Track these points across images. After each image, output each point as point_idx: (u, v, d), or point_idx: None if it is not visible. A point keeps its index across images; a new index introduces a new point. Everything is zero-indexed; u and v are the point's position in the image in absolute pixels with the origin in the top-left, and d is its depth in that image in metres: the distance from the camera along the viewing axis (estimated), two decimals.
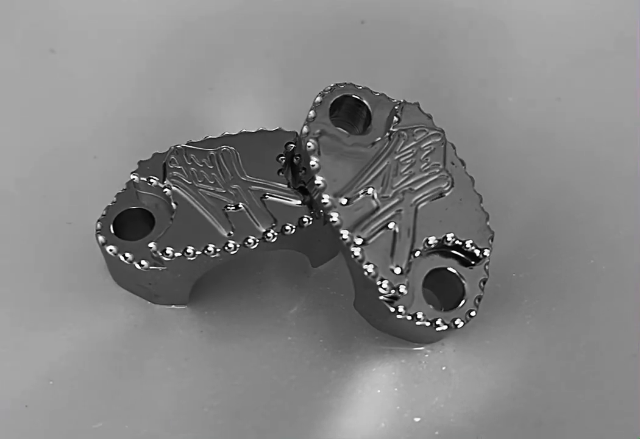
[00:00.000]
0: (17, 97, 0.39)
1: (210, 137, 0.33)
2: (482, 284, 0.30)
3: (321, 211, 0.30)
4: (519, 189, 0.37)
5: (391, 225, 0.29)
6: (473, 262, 0.30)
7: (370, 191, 0.29)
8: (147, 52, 0.41)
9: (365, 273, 0.29)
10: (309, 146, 0.30)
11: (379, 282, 0.29)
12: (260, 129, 0.33)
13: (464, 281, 0.30)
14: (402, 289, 0.29)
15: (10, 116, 0.39)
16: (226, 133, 0.33)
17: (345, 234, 0.29)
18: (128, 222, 0.32)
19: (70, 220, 0.35)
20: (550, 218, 0.36)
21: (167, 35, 0.42)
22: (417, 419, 0.30)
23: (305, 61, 0.41)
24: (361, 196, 0.29)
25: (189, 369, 0.31)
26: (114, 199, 0.32)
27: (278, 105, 0.39)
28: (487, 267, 0.30)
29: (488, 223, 0.30)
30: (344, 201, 0.29)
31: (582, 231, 0.36)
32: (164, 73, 0.40)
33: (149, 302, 0.33)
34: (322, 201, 0.29)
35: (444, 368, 0.31)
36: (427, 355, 0.32)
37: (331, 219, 0.29)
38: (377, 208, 0.29)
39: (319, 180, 0.29)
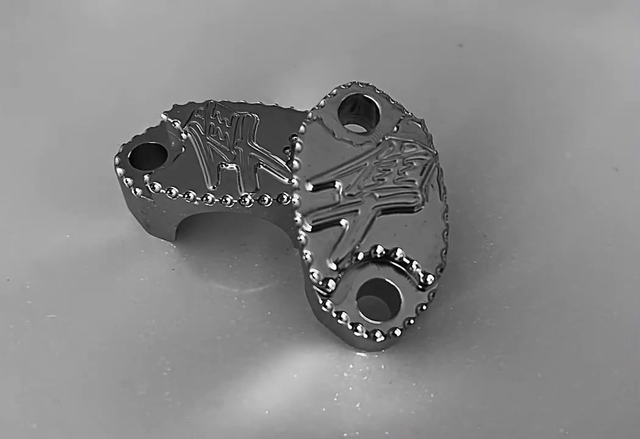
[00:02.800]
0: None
1: (244, 101, 0.35)
2: (419, 308, 0.30)
3: None
4: None
5: (343, 222, 0.30)
6: (420, 287, 0.30)
7: (337, 185, 0.30)
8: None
9: (304, 259, 0.30)
10: (301, 129, 0.31)
11: (310, 271, 0.30)
12: (292, 107, 0.35)
13: (401, 298, 0.30)
14: (331, 284, 0.29)
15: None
16: (260, 102, 0.35)
17: (298, 216, 0.30)
18: (151, 155, 0.35)
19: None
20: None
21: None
22: (317, 412, 0.31)
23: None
24: (328, 187, 0.30)
25: (146, 296, 0.34)
26: (144, 131, 0.35)
27: None
28: (431, 296, 0.30)
29: (444, 253, 0.30)
30: (310, 187, 0.30)
31: None
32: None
33: (144, 231, 0.36)
34: (292, 180, 0.30)
35: (365, 378, 0.32)
36: (360, 363, 0.32)
37: (293, 199, 0.30)
38: (337, 203, 0.30)
39: (296, 161, 0.31)
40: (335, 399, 0.31)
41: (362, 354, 0.32)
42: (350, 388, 0.31)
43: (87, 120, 0.39)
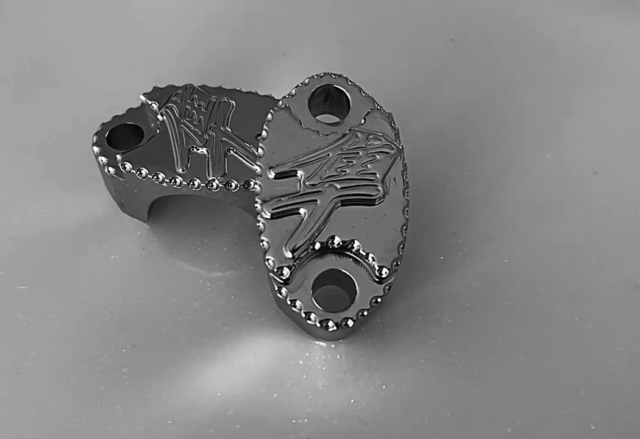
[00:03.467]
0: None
1: (222, 87, 0.35)
2: (373, 300, 0.30)
3: None
4: None
5: (302, 211, 0.30)
6: (377, 280, 0.30)
7: (299, 174, 0.30)
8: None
9: (261, 245, 0.30)
10: (268, 117, 0.31)
11: (266, 258, 0.30)
12: (269, 94, 0.35)
13: (356, 289, 0.30)
14: (285, 272, 0.30)
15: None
16: (237, 88, 0.35)
17: (258, 203, 0.30)
18: (129, 135, 0.36)
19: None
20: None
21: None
22: (269, 398, 0.31)
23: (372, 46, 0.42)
24: (290, 176, 0.30)
25: (115, 274, 0.34)
26: (124, 111, 0.36)
27: None
28: (387, 289, 0.30)
29: (401, 247, 0.30)
30: (272, 175, 0.30)
31: None
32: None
33: (119, 209, 0.36)
34: (254, 167, 0.31)
35: (320, 367, 0.32)
36: (317, 351, 0.32)
37: (254, 186, 0.31)
38: (298, 192, 0.30)
39: (260, 148, 0.31)
40: (288, 386, 0.31)
41: (320, 343, 0.32)
42: (304, 376, 0.31)
43: (71, 98, 0.40)
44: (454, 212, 0.36)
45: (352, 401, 0.31)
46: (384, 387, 0.31)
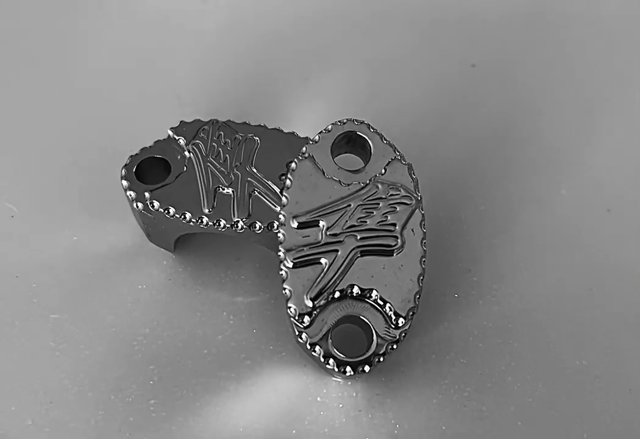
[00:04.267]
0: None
1: (247, 122, 0.36)
2: (389, 347, 0.31)
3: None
4: None
5: (323, 260, 0.31)
6: (393, 327, 0.32)
7: (322, 223, 0.31)
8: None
9: (283, 293, 0.31)
10: (292, 165, 0.32)
11: (288, 305, 0.31)
12: (293, 132, 0.35)
13: (373, 336, 0.32)
14: (306, 319, 0.31)
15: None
16: (262, 124, 0.36)
17: (281, 251, 0.31)
18: (156, 167, 0.37)
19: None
20: None
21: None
22: (288, 434, 0.33)
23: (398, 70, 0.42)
24: (312, 226, 0.32)
25: (142, 304, 0.36)
26: (152, 143, 0.37)
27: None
28: (403, 336, 0.31)
29: (417, 297, 0.31)
30: (295, 224, 0.32)
31: None
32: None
33: (146, 239, 0.38)
34: (279, 216, 0.32)
35: (337, 405, 0.33)
36: (333, 388, 0.34)
37: (278, 235, 0.32)
38: (320, 241, 0.31)
39: (284, 197, 0.32)
40: (306, 422, 0.33)
41: (337, 380, 0.34)
42: (322, 413, 0.33)
43: (100, 126, 0.41)
44: (470, 250, 0.37)
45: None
46: (397, 426, 0.33)
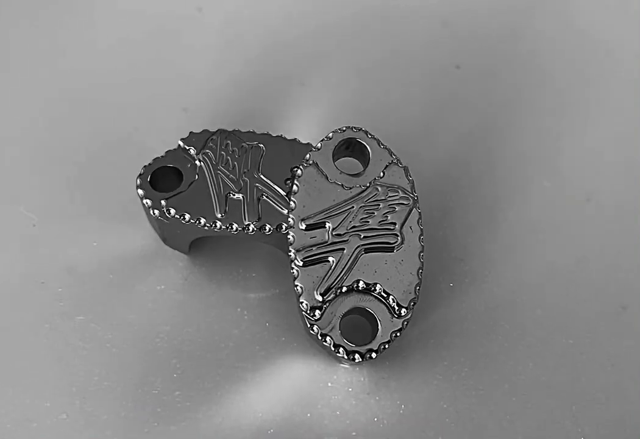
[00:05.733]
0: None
1: (253, 131, 0.39)
2: (393, 335, 0.34)
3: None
4: None
5: (330, 259, 0.34)
6: (396, 316, 0.35)
7: (327, 225, 0.34)
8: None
9: (295, 290, 0.34)
10: (298, 172, 0.35)
11: (300, 301, 0.34)
12: (295, 138, 0.38)
13: (379, 326, 0.35)
14: (317, 313, 0.34)
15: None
16: (267, 132, 0.39)
17: (292, 252, 0.34)
18: (168, 175, 0.39)
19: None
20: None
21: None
22: (303, 417, 0.36)
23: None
24: (319, 227, 0.34)
25: (161, 303, 0.38)
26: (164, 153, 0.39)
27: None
28: (405, 324, 0.35)
29: (417, 288, 0.34)
30: (303, 226, 0.34)
31: None
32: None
33: (161, 242, 0.40)
34: (288, 219, 0.35)
35: (347, 389, 0.37)
36: (343, 374, 0.37)
37: (288, 236, 0.35)
38: (326, 241, 0.34)
39: (292, 202, 0.35)
40: (319, 406, 0.36)
41: (345, 366, 0.37)
42: (333, 397, 0.36)
43: (116, 135, 0.43)
44: (462, 240, 0.40)
45: (375, 419, 0.36)
46: (402, 406, 0.36)
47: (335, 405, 0.36)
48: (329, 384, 0.36)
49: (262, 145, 0.38)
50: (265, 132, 0.39)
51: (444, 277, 0.39)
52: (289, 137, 0.38)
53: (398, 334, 0.35)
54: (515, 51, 0.46)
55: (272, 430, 0.35)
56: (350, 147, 0.37)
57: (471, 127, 0.44)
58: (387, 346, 0.34)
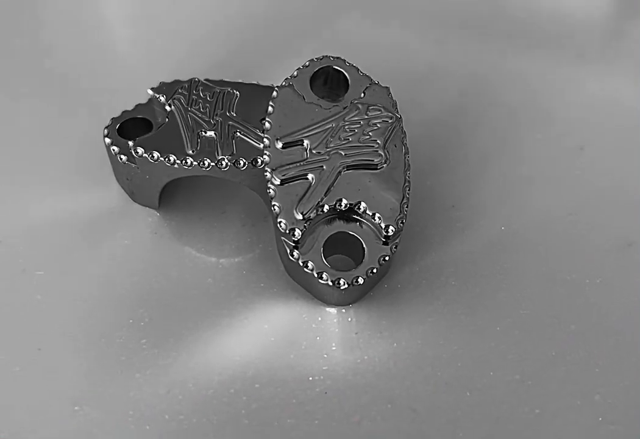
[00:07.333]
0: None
1: (225, 79, 0.37)
2: (381, 259, 0.32)
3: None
4: None
5: (310, 176, 0.32)
6: (384, 240, 0.32)
7: (305, 143, 0.32)
8: None
9: (272, 210, 0.32)
10: (273, 94, 0.33)
11: (278, 221, 0.31)
12: (272, 84, 0.37)
13: (365, 249, 0.32)
14: (297, 233, 0.31)
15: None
16: (240, 80, 0.37)
17: (268, 172, 0.32)
18: (138, 130, 0.38)
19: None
20: None
21: None
22: (285, 359, 0.32)
23: None
24: (297, 145, 0.32)
25: (129, 256, 0.36)
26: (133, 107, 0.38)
27: None
28: (394, 248, 0.32)
29: (405, 206, 0.32)
30: (280, 145, 0.32)
31: None
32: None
33: (130, 201, 0.38)
34: (263, 140, 0.33)
35: (332, 329, 0.33)
36: (328, 316, 0.34)
37: (263, 157, 0.33)
38: (305, 159, 0.32)
39: (267, 122, 0.33)
40: (303, 347, 0.32)
41: (331, 310, 0.34)
42: (318, 338, 0.33)
43: (78, 97, 0.42)
44: (453, 189, 0.38)
45: (366, 357, 0.32)
46: (394, 344, 0.32)
47: (320, 346, 0.32)
48: (313, 326, 0.33)
49: (235, 91, 0.37)
50: (239, 81, 0.38)
51: (435, 223, 0.36)
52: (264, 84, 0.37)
53: (386, 258, 0.32)
54: None
55: (250, 372, 0.32)
56: (327, 81, 0.35)
57: (463, 83, 0.43)
58: (375, 271, 0.31)
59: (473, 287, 0.34)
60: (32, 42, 0.45)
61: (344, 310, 0.34)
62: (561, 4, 0.46)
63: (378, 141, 0.33)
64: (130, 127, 0.37)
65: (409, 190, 0.32)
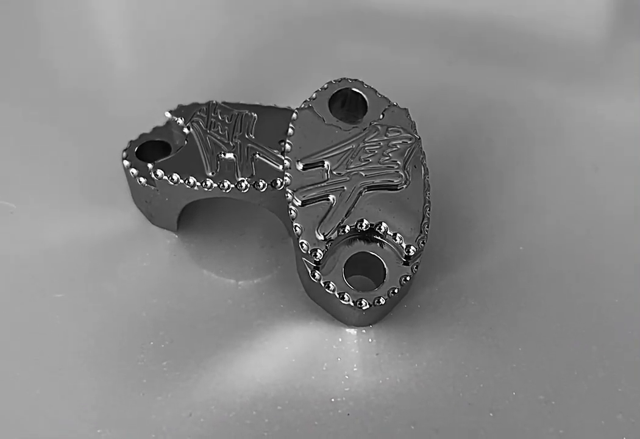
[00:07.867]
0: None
1: (243, 102, 0.38)
2: (402, 279, 0.32)
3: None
4: None
5: (331, 197, 0.32)
6: (404, 260, 0.32)
7: (326, 164, 0.33)
8: None
9: (294, 231, 0.32)
10: (293, 116, 0.34)
11: (300, 242, 0.32)
12: (288, 107, 0.37)
13: (386, 270, 0.32)
14: (318, 254, 0.31)
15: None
16: (258, 103, 0.38)
17: (289, 193, 0.32)
18: (157, 152, 0.38)
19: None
20: None
21: None
22: (307, 380, 0.32)
23: None
24: (317, 166, 0.33)
25: (148, 279, 0.36)
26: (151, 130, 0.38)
27: None
28: (415, 268, 0.32)
29: (425, 226, 0.32)
30: (300, 166, 0.33)
31: None
32: None
33: (148, 223, 0.38)
34: (284, 161, 0.33)
35: (353, 350, 0.33)
36: (348, 337, 0.34)
37: (284, 178, 0.33)
38: (326, 180, 0.32)
39: (287, 144, 0.33)
40: (324, 368, 0.32)
41: (351, 331, 0.34)
42: (339, 359, 0.33)
43: (100, 122, 0.43)
44: (469, 208, 0.38)
45: (387, 378, 0.32)
46: (416, 365, 0.32)
47: (341, 367, 0.32)
48: (334, 347, 0.33)
49: (253, 113, 0.37)
50: (257, 103, 0.38)
51: (452, 242, 0.37)
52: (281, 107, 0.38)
53: (407, 278, 0.32)
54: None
55: (272, 394, 0.31)
56: (345, 103, 0.36)
57: (475, 103, 0.44)
58: (396, 291, 0.32)
59: (493, 307, 0.34)
60: (52, 66, 0.45)
61: (364, 331, 0.34)
62: (575, 26, 0.47)
63: (398, 162, 0.33)
64: (148, 149, 0.38)
65: (429, 210, 0.32)
